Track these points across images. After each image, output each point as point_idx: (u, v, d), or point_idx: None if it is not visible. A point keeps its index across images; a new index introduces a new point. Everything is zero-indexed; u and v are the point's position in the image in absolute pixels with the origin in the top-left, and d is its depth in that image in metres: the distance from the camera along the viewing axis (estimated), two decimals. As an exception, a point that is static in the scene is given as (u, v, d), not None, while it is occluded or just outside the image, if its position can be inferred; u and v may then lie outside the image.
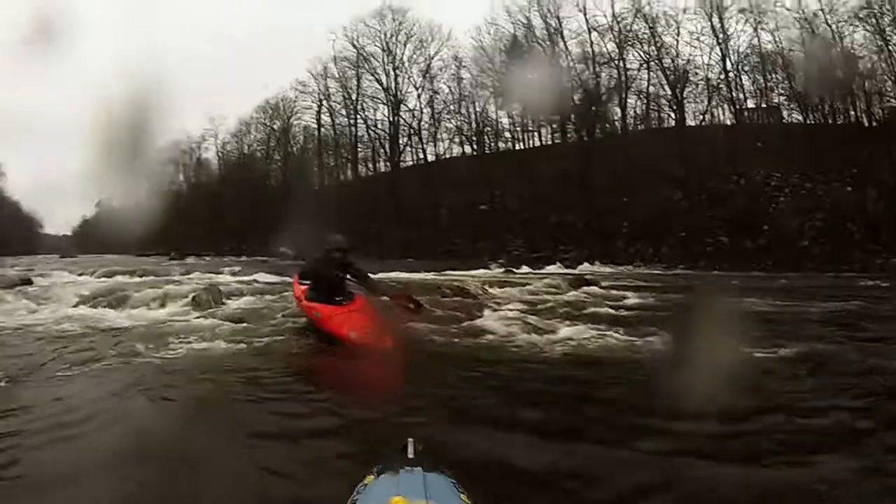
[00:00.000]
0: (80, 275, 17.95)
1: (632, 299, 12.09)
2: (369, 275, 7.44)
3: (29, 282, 14.44)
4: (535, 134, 44.48)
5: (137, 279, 15.94)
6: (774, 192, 28.94)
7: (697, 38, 35.91)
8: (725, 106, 36.79)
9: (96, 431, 3.80)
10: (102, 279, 16.42)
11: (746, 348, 6.10)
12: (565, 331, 7.67)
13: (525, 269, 22.50)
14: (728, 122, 36.34)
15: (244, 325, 8.08)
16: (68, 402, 4.51)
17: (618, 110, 38.87)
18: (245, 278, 16.45)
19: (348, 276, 7.17)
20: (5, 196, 59.12)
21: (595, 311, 9.66)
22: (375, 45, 46.95)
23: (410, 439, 1.97)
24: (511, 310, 9.75)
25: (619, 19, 37.33)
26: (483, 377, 5.20)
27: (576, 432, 3.82)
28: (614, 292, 13.53)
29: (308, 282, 7.43)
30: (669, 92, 36.76)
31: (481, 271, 19.82)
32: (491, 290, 12.84)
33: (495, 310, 9.79)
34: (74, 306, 10.72)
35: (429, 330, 7.65)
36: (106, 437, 3.71)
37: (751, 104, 37.09)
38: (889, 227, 25.01)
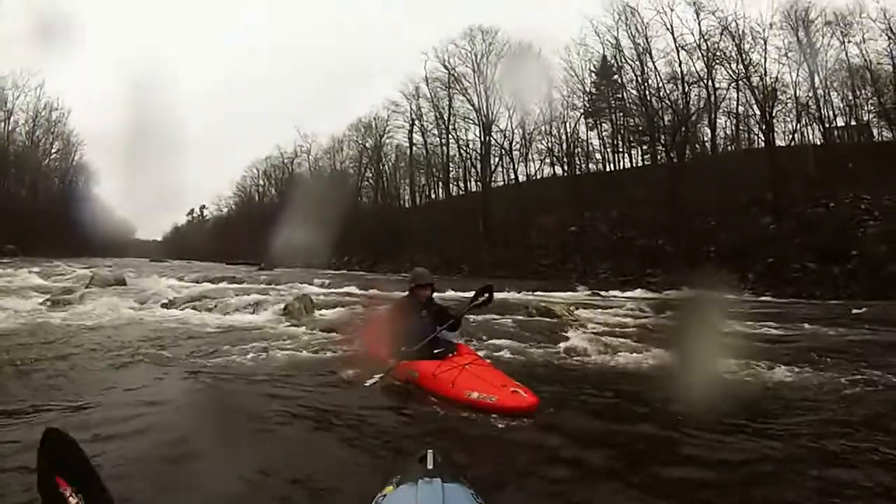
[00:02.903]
0: (175, 278, 19.13)
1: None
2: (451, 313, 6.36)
3: (123, 282, 15.50)
4: (626, 155, 44.78)
5: (229, 285, 16.78)
6: (864, 216, 27.84)
7: (785, 55, 35.27)
8: (815, 125, 36.04)
9: (161, 422, 4.35)
10: (194, 283, 17.38)
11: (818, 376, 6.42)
12: (637, 353, 8.01)
13: (612, 292, 22.38)
14: (817, 142, 35.51)
15: (334, 334, 8.53)
16: (154, 394, 5.15)
17: (707, 131, 38.56)
18: (336, 290, 17.12)
19: (440, 326, 6.01)
20: (100, 201, 63.13)
21: (667, 337, 9.46)
22: (466, 66, 48.06)
23: (430, 450, 2.00)
24: (593, 331, 10.08)
25: (706, 37, 36.88)
26: (546, 394, 5.09)
27: (618, 453, 3.98)
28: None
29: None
30: (758, 112, 36.10)
31: (568, 293, 19.94)
32: (576, 312, 12.96)
33: (576, 330, 10.05)
34: (167, 306, 11.73)
35: (511, 346, 8.11)
36: (158, 431, 4.15)
37: (840, 122, 36.10)
38: None
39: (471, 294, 6.82)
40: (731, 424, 4.58)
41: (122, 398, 5.01)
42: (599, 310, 13.99)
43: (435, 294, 6.61)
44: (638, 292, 23.11)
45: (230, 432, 4.30)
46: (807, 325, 12.16)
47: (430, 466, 1.94)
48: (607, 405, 5.41)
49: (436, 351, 5.78)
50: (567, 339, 9.09)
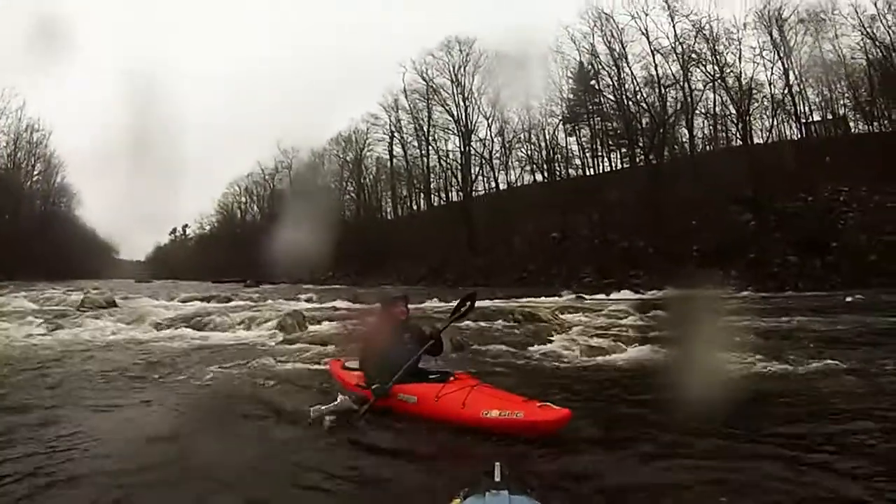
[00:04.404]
0: (164, 298, 19.12)
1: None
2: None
3: (114, 304, 15.40)
4: (605, 159, 45.24)
5: (220, 304, 16.84)
6: (843, 208, 28.61)
7: (760, 54, 36.18)
8: (792, 121, 36.88)
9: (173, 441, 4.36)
10: (185, 303, 17.29)
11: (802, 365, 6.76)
12: (628, 353, 8.34)
13: (596, 295, 22.46)
14: (795, 138, 36.29)
15: (330, 347, 8.67)
16: (153, 417, 5.18)
17: (685, 132, 39.09)
18: (324, 305, 17.19)
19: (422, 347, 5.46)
20: (82, 222, 62.73)
21: (659, 335, 9.75)
22: (444, 77, 48.34)
23: (497, 463, 1.97)
24: (578, 334, 10.20)
25: (681, 40, 37.54)
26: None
27: (652, 450, 4.08)
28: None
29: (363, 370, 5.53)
30: (735, 111, 36.90)
31: (553, 298, 19.80)
32: (561, 316, 13.17)
33: (563, 334, 10.27)
34: (160, 327, 11.62)
35: (499, 352, 8.34)
36: (179, 448, 4.19)
37: (816, 117, 37.02)
38: None
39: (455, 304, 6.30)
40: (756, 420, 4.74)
41: (122, 423, 5.04)
42: (586, 313, 14.07)
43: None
44: (622, 294, 23.41)
45: (237, 461, 4.08)
46: (799, 317, 12.70)
47: (497, 479, 1.95)
48: (625, 409, 5.51)
49: (431, 376, 5.26)
50: (556, 343, 9.34)
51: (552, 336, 10.07)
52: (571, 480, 3.60)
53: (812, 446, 4.12)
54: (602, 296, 22.32)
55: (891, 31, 33.44)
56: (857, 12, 34.21)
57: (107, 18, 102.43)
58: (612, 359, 8.06)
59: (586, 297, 21.72)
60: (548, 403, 4.46)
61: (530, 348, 9.03)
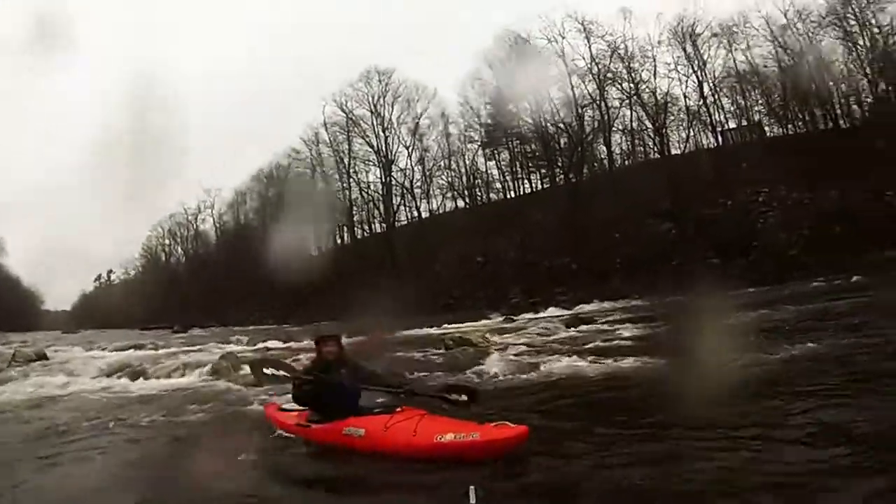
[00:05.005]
0: (96, 349, 19.04)
1: (626, 331, 13.06)
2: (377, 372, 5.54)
3: (45, 356, 15.09)
4: (525, 181, 45.02)
5: (152, 352, 16.66)
6: (762, 208, 29.43)
7: (675, 68, 37.26)
8: (707, 130, 38.11)
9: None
10: (117, 352, 17.13)
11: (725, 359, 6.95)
12: (560, 365, 8.47)
13: (524, 315, 22.71)
14: (711, 146, 37.40)
15: (266, 388, 8.08)
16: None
17: (604, 149, 39.61)
18: (256, 347, 17.02)
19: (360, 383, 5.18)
20: (6, 271, 59.98)
21: (590, 346, 10.46)
22: (364, 108, 47.58)
23: (472, 487, 2.13)
24: (511, 353, 10.32)
25: (597, 61, 38.26)
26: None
27: (610, 455, 4.11)
28: (608, 327, 14.46)
29: (303, 405, 5.32)
30: (651, 125, 37.66)
31: (482, 322, 20.34)
32: (492, 339, 13.19)
33: (496, 355, 10.18)
34: (96, 378, 11.23)
35: (435, 379, 7.99)
36: None
37: (732, 125, 38.38)
38: (875, 225, 25.09)
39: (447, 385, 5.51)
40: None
41: (62, 479, 4.81)
42: (516, 333, 14.61)
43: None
44: (549, 311, 23.68)
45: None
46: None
47: (472, 501, 2.14)
48: (574, 420, 5.39)
49: (376, 410, 4.89)
50: (491, 364, 9.18)
51: (486, 358, 9.90)
52: (542, 495, 3.59)
53: (737, 436, 4.26)
54: (531, 315, 22.75)
55: (800, 39, 35.28)
56: (767, 23, 36.00)
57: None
58: (547, 372, 8.17)
59: (514, 317, 22.19)
60: (504, 422, 4.24)
61: (468, 371, 8.90)
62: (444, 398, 5.06)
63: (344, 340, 5.69)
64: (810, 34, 34.84)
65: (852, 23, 33.64)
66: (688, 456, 3.88)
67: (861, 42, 33.53)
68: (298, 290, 44.92)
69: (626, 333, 12.63)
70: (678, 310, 16.63)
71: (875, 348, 7.18)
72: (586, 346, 10.37)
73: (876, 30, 33.03)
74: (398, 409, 4.78)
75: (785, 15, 35.20)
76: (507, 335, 14.18)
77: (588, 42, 38.40)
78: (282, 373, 5.66)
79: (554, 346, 11.19)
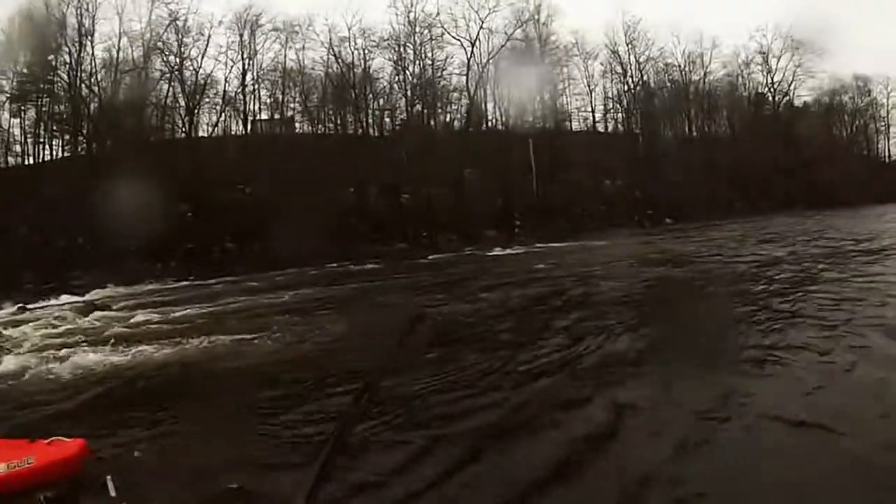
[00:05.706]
0: None
1: (139, 316, 13.47)
2: None
3: None
4: (48, 146, 38.97)
5: None
6: (282, 197, 30.53)
7: (225, 52, 37.67)
8: (240, 118, 38.85)
9: None
10: None
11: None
12: (91, 356, 8.60)
13: (42, 302, 20.22)
14: (240, 134, 38.48)
15: None
16: None
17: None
18: None
19: None
20: None
21: (108, 333, 10.62)
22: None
23: (108, 476, 2.02)
24: (30, 349, 9.98)
25: (153, 26, 36.39)
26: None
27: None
28: (122, 313, 14.58)
29: None
30: (184, 104, 37.04)
31: None
32: (6, 332, 12.02)
33: (14, 354, 9.63)
34: None
35: None
36: None
37: (265, 116, 40.03)
38: (388, 220, 29.03)
39: None
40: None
41: None
42: (30, 325, 13.24)
43: None
44: (64, 298, 21.73)
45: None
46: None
47: (112, 494, 2.05)
48: (135, 411, 5.75)
49: None
50: (9, 365, 8.65)
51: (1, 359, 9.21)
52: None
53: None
54: (52, 301, 20.32)
55: (354, 53, 40.32)
56: (330, 31, 39.88)
57: None
58: (62, 365, 8.05)
59: (30, 307, 19.25)
60: (57, 438, 3.25)
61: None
62: None
63: None
64: (367, 50, 39.94)
65: (409, 51, 40.48)
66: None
67: (411, 69, 40.52)
68: None
69: (138, 319, 13.03)
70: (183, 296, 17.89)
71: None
72: (107, 334, 10.55)
73: (429, 62, 40.87)
74: None
75: (349, 29, 39.49)
76: (22, 328, 12.83)
77: (152, 4, 36.24)
78: None
79: (77, 337, 10.96)
